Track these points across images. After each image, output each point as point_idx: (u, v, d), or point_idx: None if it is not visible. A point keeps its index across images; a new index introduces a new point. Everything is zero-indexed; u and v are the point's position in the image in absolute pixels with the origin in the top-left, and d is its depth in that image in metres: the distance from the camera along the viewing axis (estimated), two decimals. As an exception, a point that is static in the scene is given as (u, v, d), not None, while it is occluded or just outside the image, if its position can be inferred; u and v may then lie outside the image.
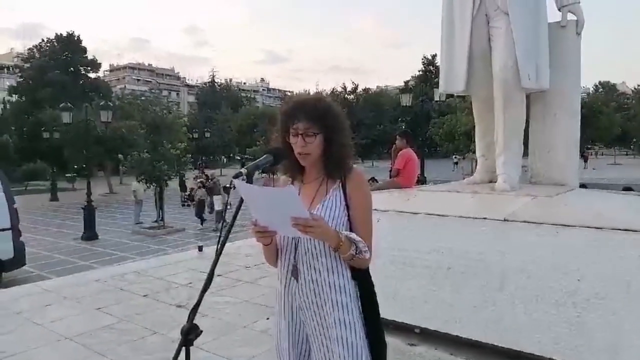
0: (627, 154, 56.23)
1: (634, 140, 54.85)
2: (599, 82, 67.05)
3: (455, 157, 39.39)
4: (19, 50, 61.29)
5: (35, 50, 46.27)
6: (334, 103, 1.75)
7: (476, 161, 4.84)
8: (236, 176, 1.53)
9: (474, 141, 4.86)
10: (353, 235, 1.62)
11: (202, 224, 16.06)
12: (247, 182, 1.54)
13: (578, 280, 2.94)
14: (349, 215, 1.67)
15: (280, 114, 1.73)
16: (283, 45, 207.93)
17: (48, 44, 45.55)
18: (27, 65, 45.24)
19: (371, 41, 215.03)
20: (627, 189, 11.03)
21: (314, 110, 1.64)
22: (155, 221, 15.73)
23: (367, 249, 1.63)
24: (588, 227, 2.98)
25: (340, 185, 1.69)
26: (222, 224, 11.98)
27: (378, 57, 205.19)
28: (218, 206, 15.60)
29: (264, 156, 1.67)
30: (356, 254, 1.61)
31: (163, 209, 16.06)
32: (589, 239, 2.96)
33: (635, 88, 63.13)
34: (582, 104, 4.67)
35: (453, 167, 36.35)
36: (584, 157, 36.06)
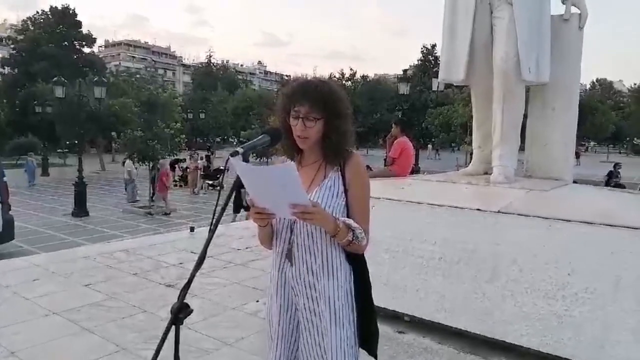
0: (619, 152, 56.56)
1: (627, 139, 55.19)
2: (596, 79, 67.16)
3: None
4: (12, 21, 60.03)
5: (29, 22, 45.38)
6: (339, 87, 1.71)
7: (471, 153, 4.84)
8: (232, 155, 1.49)
9: (470, 134, 4.85)
10: (350, 222, 1.60)
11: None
12: (242, 161, 1.50)
13: (568, 274, 2.96)
14: (346, 201, 1.65)
15: (282, 94, 1.69)
16: (284, 29, 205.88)
17: (42, 17, 44.68)
18: (21, 37, 44.40)
19: (375, 29, 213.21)
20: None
21: (317, 95, 1.60)
22: (152, 200, 15.51)
23: (364, 235, 1.62)
24: (580, 221, 2.99)
25: (339, 170, 1.66)
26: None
27: (380, 46, 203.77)
28: None
29: (261, 136, 1.63)
30: (353, 240, 1.59)
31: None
32: (580, 234, 2.97)
33: (631, 87, 63.32)
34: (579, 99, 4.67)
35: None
36: (575, 153, 35.86)
